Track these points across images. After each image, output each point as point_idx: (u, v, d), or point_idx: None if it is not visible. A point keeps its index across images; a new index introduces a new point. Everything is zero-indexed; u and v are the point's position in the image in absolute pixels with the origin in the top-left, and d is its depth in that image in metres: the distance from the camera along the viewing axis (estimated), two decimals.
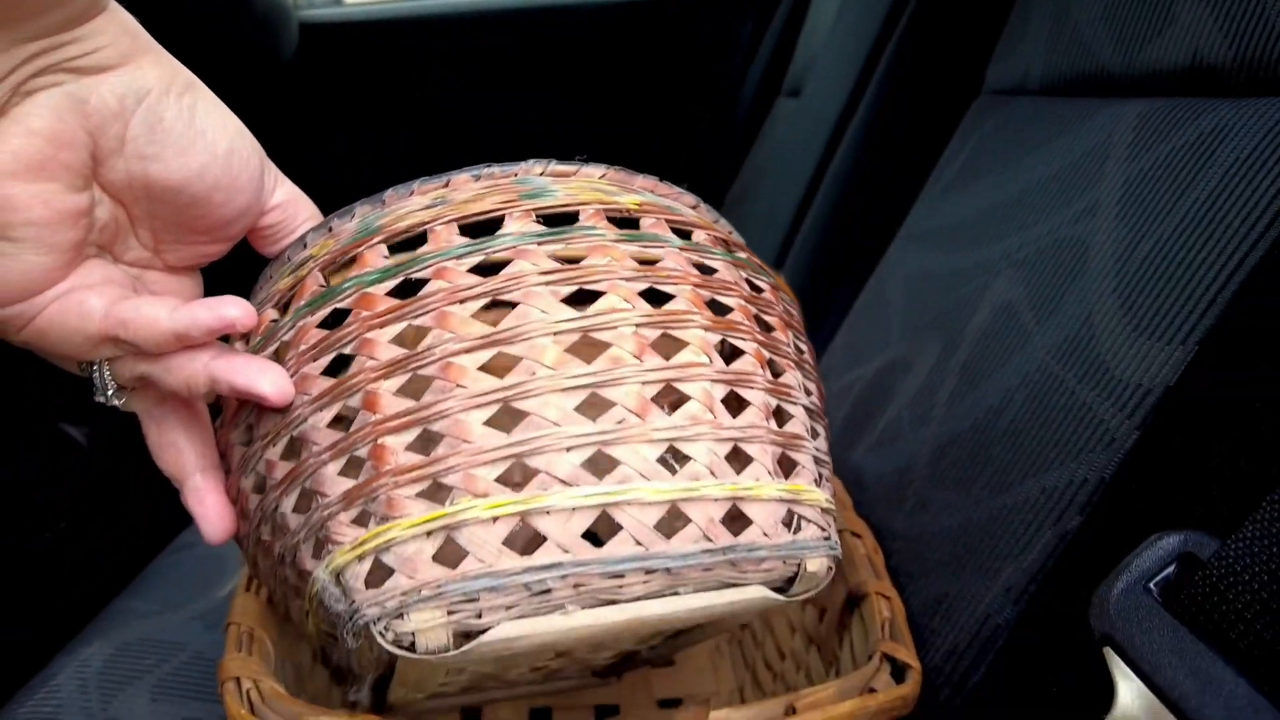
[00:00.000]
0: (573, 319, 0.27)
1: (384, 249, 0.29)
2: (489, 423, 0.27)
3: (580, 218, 0.30)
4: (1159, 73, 0.44)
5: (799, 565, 0.30)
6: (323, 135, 1.26)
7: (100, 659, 0.53)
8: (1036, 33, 0.56)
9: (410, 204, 0.30)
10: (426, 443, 0.27)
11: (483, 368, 0.27)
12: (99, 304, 0.27)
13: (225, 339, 0.30)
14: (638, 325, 0.28)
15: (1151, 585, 0.23)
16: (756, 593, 0.30)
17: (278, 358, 0.29)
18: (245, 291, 0.32)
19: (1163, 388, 0.34)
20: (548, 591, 0.26)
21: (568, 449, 0.26)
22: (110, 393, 0.29)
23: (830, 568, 0.31)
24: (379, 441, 0.27)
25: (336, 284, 0.29)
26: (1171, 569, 0.23)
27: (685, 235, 0.32)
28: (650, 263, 0.30)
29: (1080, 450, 0.37)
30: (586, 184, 0.32)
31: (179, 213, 0.29)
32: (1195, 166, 0.38)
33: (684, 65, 1.35)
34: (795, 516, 0.30)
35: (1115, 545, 0.34)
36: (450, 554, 0.26)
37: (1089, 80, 0.50)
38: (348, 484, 0.27)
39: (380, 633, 0.26)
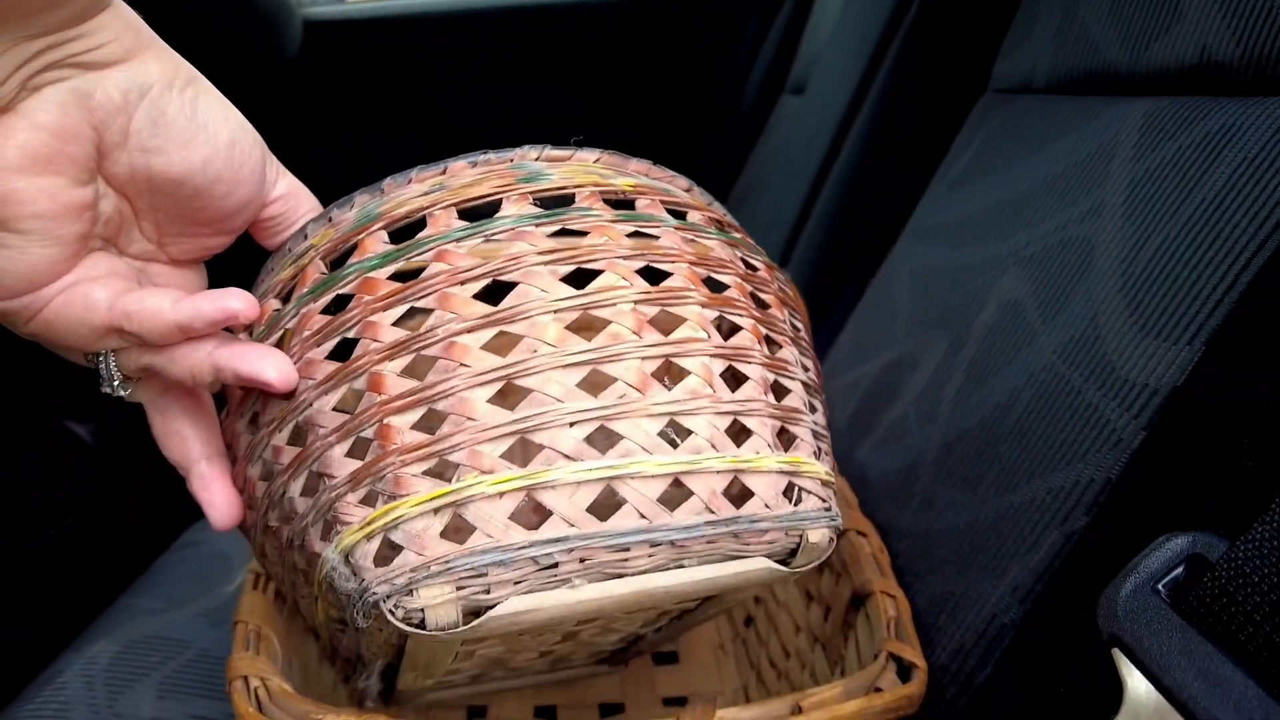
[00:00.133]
0: (572, 297, 0.28)
1: (384, 235, 0.29)
2: (493, 400, 0.27)
3: (576, 200, 0.30)
4: (1166, 71, 0.43)
5: (801, 536, 0.30)
6: (326, 132, 1.26)
7: (107, 656, 0.54)
8: (1043, 30, 0.56)
9: (409, 191, 0.31)
10: (432, 421, 0.27)
11: (485, 347, 0.27)
12: (104, 296, 0.28)
13: (229, 331, 0.30)
14: (636, 302, 0.29)
15: (1160, 586, 0.23)
16: (760, 564, 0.30)
17: (282, 345, 0.29)
18: (249, 284, 0.32)
19: (1169, 388, 0.34)
20: (554, 566, 0.27)
21: (571, 424, 0.27)
22: (116, 383, 0.30)
23: (832, 538, 0.31)
24: (385, 422, 0.27)
25: (338, 271, 0.29)
26: (1180, 570, 0.23)
27: (680, 215, 0.32)
28: (647, 241, 0.30)
29: (1087, 450, 0.37)
30: (581, 168, 0.32)
31: (182, 205, 0.29)
32: (1202, 166, 0.37)
33: (688, 62, 1.35)
34: (796, 488, 0.30)
35: (1122, 546, 0.34)
36: (458, 530, 0.27)
37: (1095, 78, 0.50)
38: (355, 465, 0.27)
39: (390, 610, 0.26)
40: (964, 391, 0.47)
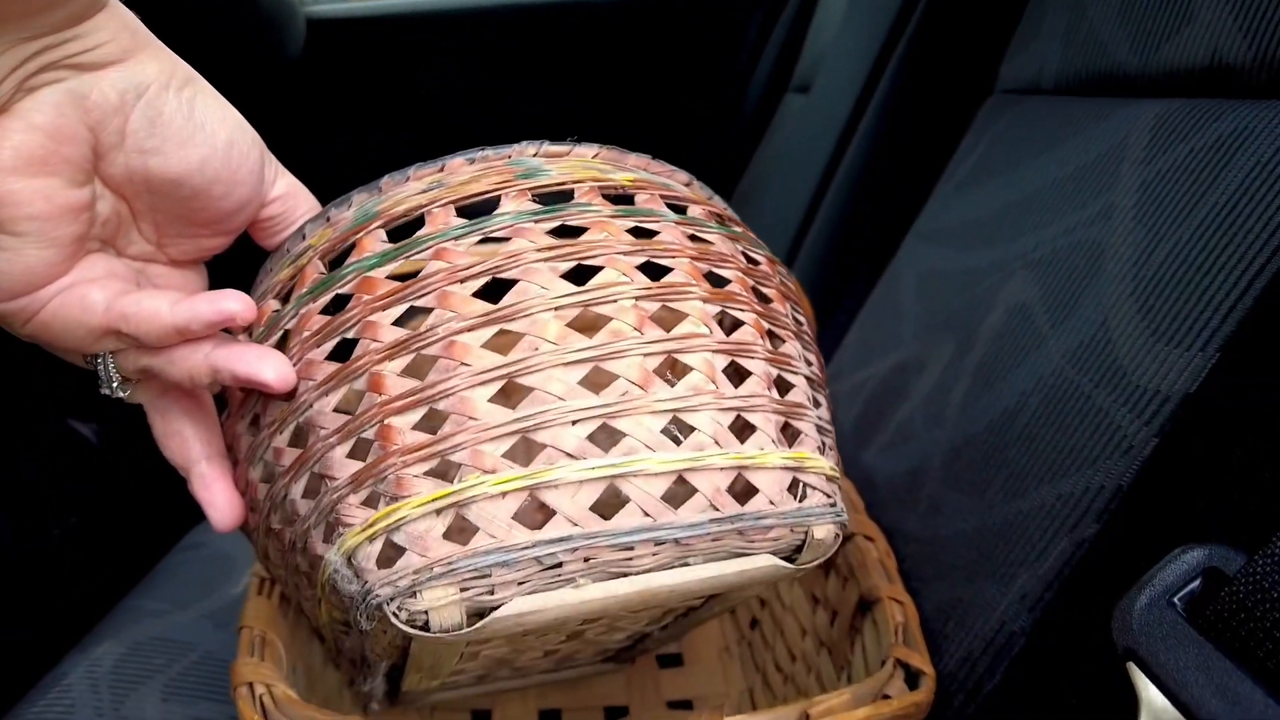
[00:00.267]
0: (573, 294, 0.28)
1: (383, 234, 0.29)
2: (494, 399, 0.27)
3: (575, 195, 0.30)
4: (1176, 72, 0.43)
5: (806, 533, 0.30)
6: (328, 130, 1.26)
7: (111, 658, 0.54)
8: (1051, 30, 0.55)
9: (407, 189, 0.30)
10: (433, 421, 0.27)
11: (485, 345, 0.27)
12: (101, 298, 0.28)
13: (228, 332, 0.30)
14: (637, 298, 0.28)
15: (1176, 600, 0.23)
16: (765, 561, 0.30)
17: (282, 346, 0.29)
18: (250, 284, 0.32)
19: (1181, 395, 0.34)
20: (558, 565, 0.27)
21: (573, 422, 0.27)
22: (115, 385, 0.30)
23: (838, 534, 0.31)
24: (386, 422, 0.27)
25: (336, 271, 0.29)
26: (1196, 583, 0.23)
27: (680, 210, 0.32)
28: (647, 236, 0.30)
29: (1097, 457, 0.36)
30: (580, 163, 0.32)
31: (180, 206, 0.29)
32: (1214, 170, 0.37)
33: (690, 60, 1.34)
34: (800, 484, 0.30)
35: (1134, 554, 0.34)
36: (461, 531, 0.26)
37: (1105, 79, 0.49)
38: (356, 466, 0.27)
39: (394, 613, 0.26)
40: (971, 395, 0.46)
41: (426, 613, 0.26)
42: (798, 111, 1.10)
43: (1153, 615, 0.22)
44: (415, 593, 0.26)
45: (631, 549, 0.27)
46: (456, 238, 0.28)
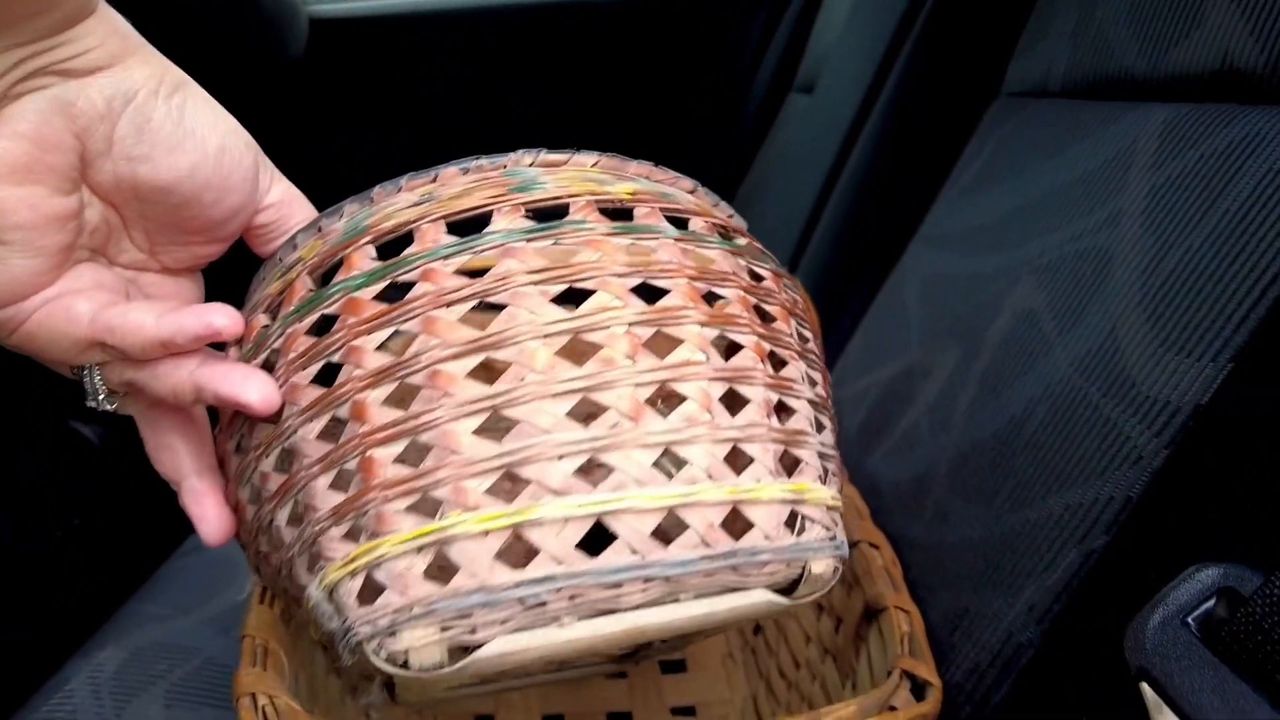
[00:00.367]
0: (562, 320, 0.27)
1: (371, 250, 0.28)
2: (478, 432, 0.26)
3: (571, 211, 0.29)
4: (1186, 77, 0.43)
5: (804, 567, 0.29)
6: (330, 132, 1.26)
7: (114, 664, 0.53)
8: (1059, 33, 0.55)
9: (398, 201, 0.30)
10: (415, 454, 0.26)
11: (471, 374, 0.26)
12: (87, 309, 0.27)
13: (221, 346, 0.30)
14: (630, 324, 0.27)
15: (1190, 620, 0.22)
16: (760, 597, 0.29)
17: (269, 365, 0.28)
18: (245, 292, 0.31)
19: (1193, 406, 0.33)
20: (543, 605, 0.26)
21: (559, 457, 0.26)
22: (101, 397, 0.29)
23: (837, 568, 0.30)
24: (368, 454, 0.26)
25: (323, 290, 0.28)
26: (1211, 603, 0.22)
27: (681, 224, 0.31)
28: (644, 255, 0.29)
29: (1106, 467, 0.36)
30: (578, 173, 0.31)
31: (171, 213, 0.28)
32: (1225, 176, 0.37)
33: (693, 59, 1.34)
34: (799, 517, 0.29)
35: (1144, 566, 0.33)
36: (442, 569, 0.26)
37: (1113, 83, 0.49)
38: (338, 498, 0.27)
39: (373, 651, 0.26)
40: (978, 402, 0.46)
41: (406, 652, 0.25)
42: (801, 111, 1.09)
43: (1167, 635, 0.22)
44: (395, 632, 0.25)
45: (619, 586, 0.26)
46: (445, 257, 0.27)
